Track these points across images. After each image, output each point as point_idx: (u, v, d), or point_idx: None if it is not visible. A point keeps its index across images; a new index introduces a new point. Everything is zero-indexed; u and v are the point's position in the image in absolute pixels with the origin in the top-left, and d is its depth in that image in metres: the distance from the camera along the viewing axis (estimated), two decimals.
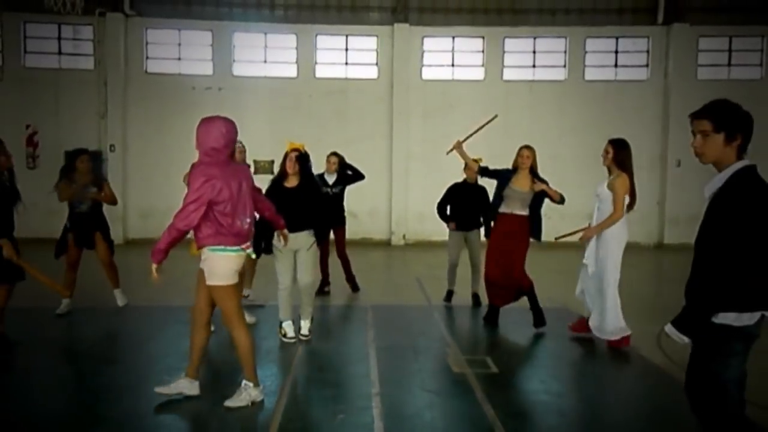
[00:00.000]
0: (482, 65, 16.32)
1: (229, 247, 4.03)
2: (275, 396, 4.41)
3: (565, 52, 16.30)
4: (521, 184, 6.31)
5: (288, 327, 5.85)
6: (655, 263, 13.42)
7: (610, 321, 5.77)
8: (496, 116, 6.85)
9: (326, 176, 7.90)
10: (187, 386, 4.28)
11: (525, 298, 6.53)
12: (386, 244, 15.35)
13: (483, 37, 16.21)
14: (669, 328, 2.74)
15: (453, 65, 16.43)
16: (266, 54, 16.28)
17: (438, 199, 7.82)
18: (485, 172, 6.77)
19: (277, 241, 5.58)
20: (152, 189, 14.78)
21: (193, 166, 4.10)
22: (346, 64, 16.35)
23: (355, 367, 5.19)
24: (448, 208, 7.74)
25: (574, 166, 14.38)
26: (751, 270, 2.55)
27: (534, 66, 16.39)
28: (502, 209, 6.39)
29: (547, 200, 6.34)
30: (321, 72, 16.25)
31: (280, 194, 5.72)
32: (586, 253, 5.95)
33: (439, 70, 16.38)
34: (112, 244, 7.02)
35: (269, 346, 5.71)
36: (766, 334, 5.71)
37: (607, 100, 15.77)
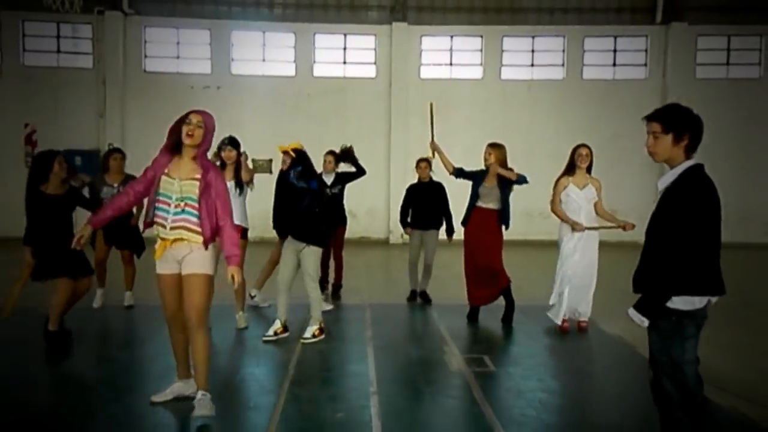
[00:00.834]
0: (480, 64, 16.33)
1: None
2: (274, 395, 4.41)
3: (564, 51, 16.32)
4: (492, 181, 6.63)
5: (274, 325, 5.86)
6: None
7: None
8: (431, 104, 7.11)
9: (324, 176, 7.70)
10: (182, 387, 4.26)
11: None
12: (384, 243, 15.36)
13: (481, 36, 16.22)
14: (631, 312, 2.96)
15: (451, 64, 16.44)
16: (264, 53, 16.28)
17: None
18: (461, 173, 6.95)
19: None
20: None
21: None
22: (345, 63, 16.35)
23: (354, 366, 5.20)
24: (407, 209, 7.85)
25: None
26: (698, 257, 2.86)
27: (532, 65, 16.40)
28: (479, 204, 6.68)
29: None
30: (319, 71, 16.25)
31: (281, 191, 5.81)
32: (573, 245, 6.26)
33: (438, 69, 16.39)
34: (142, 243, 7.01)
35: (267, 346, 5.71)
36: (757, 333, 5.69)
37: (606, 99, 15.79)
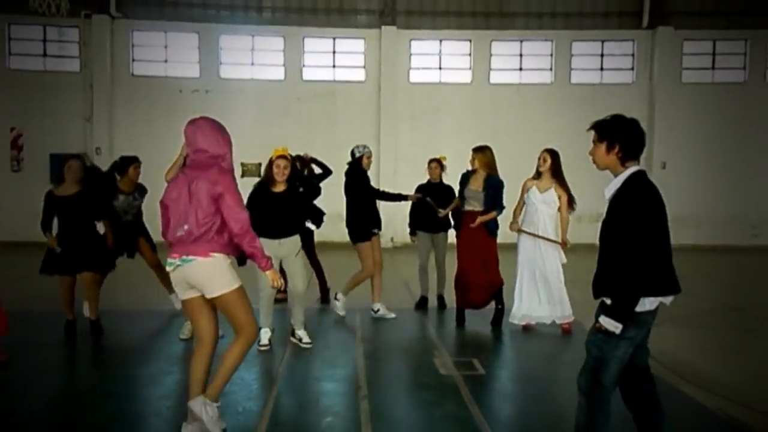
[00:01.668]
0: (469, 68, 16.38)
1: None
2: (262, 400, 4.39)
3: (552, 55, 16.40)
4: (477, 184, 6.66)
5: (263, 334, 5.71)
6: None
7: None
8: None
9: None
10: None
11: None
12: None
13: (470, 41, 16.28)
14: (603, 319, 3.00)
15: (440, 68, 16.48)
16: (253, 56, 16.24)
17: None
18: (460, 195, 6.92)
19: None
20: None
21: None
22: (334, 66, 16.35)
23: (343, 370, 5.18)
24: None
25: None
26: (649, 260, 2.94)
27: (521, 69, 16.48)
28: (467, 208, 6.72)
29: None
30: (308, 75, 16.23)
31: (266, 199, 5.68)
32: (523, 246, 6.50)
33: (427, 73, 16.43)
34: (155, 247, 6.99)
35: (255, 350, 5.67)
36: (745, 335, 5.72)
37: (593, 103, 15.85)
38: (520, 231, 6.52)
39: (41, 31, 15.58)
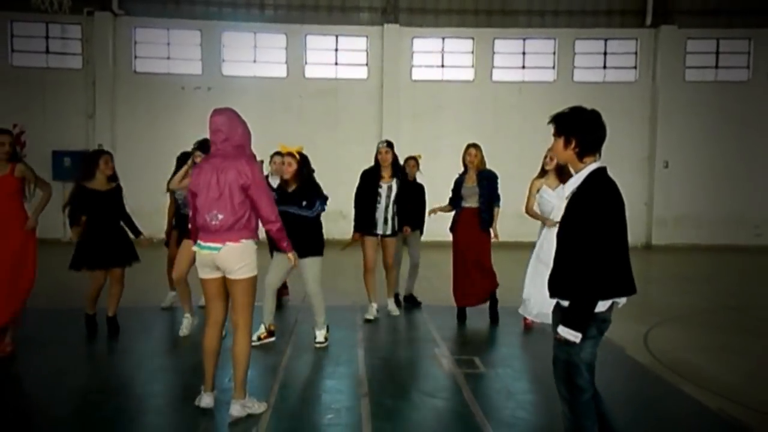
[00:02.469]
0: (472, 66, 16.37)
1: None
2: (264, 397, 4.39)
3: (554, 53, 16.38)
4: (471, 180, 6.75)
5: (258, 329, 5.75)
6: (643, 264, 13.49)
7: None
8: None
9: (271, 180, 6.64)
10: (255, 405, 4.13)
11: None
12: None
13: (473, 38, 16.26)
14: (561, 330, 2.90)
15: (443, 66, 16.47)
16: (256, 54, 16.24)
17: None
18: (454, 198, 6.93)
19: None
20: (140, 189, 14.66)
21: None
22: (336, 64, 16.34)
23: (344, 367, 5.19)
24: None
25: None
26: (604, 261, 2.83)
27: (523, 67, 16.46)
28: (464, 205, 6.80)
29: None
30: (311, 72, 16.23)
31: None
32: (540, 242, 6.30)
33: (429, 70, 16.41)
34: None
35: (257, 348, 5.67)
36: (746, 335, 5.72)
37: (596, 101, 15.43)
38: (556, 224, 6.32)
39: (44, 28, 15.60)
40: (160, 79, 15.74)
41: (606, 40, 16.36)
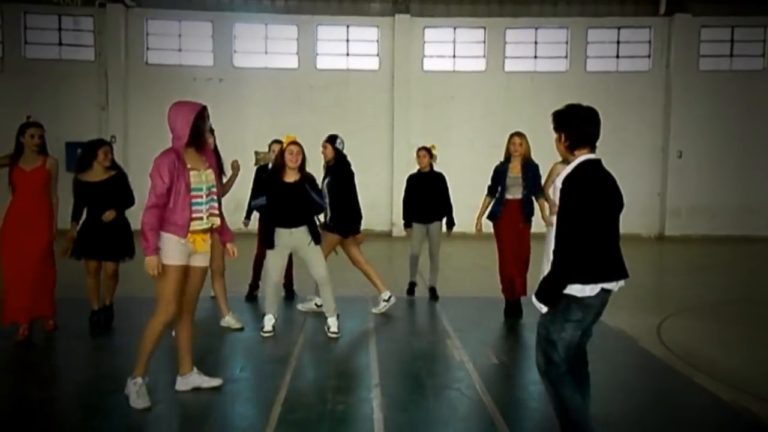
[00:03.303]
0: (483, 56, 16.28)
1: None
2: (276, 386, 4.42)
3: (567, 42, 16.25)
4: (516, 170, 6.53)
5: (267, 321, 5.80)
6: (656, 255, 13.42)
7: None
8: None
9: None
10: (198, 379, 4.31)
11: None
12: (387, 235, 15.35)
13: (484, 28, 16.16)
14: (533, 299, 3.17)
15: (454, 56, 16.39)
16: (267, 45, 16.25)
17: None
18: (493, 188, 6.69)
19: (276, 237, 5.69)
20: None
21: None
22: (347, 55, 16.31)
23: (356, 359, 5.21)
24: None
25: None
26: (585, 247, 2.99)
27: (536, 57, 16.35)
28: (507, 196, 6.54)
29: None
30: (322, 63, 16.21)
31: (277, 189, 5.65)
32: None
33: (441, 61, 16.35)
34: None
35: (268, 339, 5.72)
36: (761, 326, 5.65)
37: (609, 91, 15.72)
38: None
39: (56, 21, 15.69)
40: (171, 70, 15.80)
41: (619, 28, 16.21)
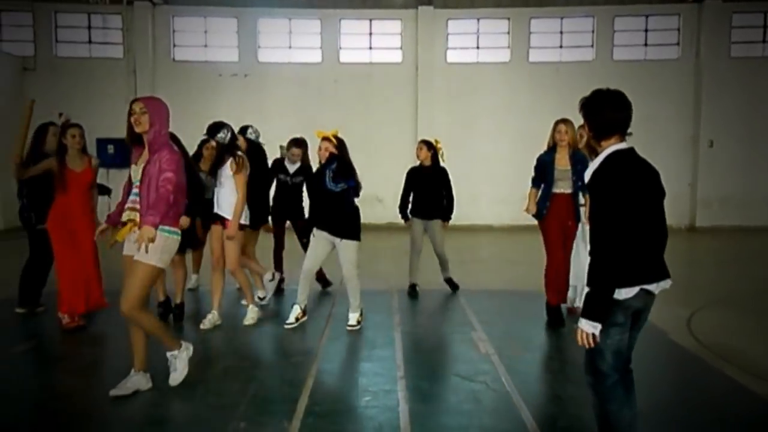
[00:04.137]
0: (508, 47, 16.14)
1: None
2: (302, 378, 4.47)
3: (593, 31, 16.02)
4: (564, 162, 5.89)
5: (293, 312, 5.84)
6: (687, 246, 13.19)
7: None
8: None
9: (287, 164, 7.15)
10: (141, 381, 4.20)
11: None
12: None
13: (508, 19, 16.01)
14: (581, 323, 2.82)
15: (478, 48, 16.28)
16: (291, 40, 16.32)
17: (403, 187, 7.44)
18: (538, 180, 6.06)
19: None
20: None
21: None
22: (371, 48, 16.31)
23: (381, 351, 5.23)
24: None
25: None
26: (616, 247, 2.72)
27: (561, 47, 16.16)
28: (555, 190, 5.92)
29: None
30: (345, 57, 16.24)
31: (311, 184, 5.83)
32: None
33: (464, 52, 16.26)
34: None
35: (294, 331, 5.78)
36: None
37: (637, 80, 15.44)
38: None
39: (86, 19, 15.97)
40: (198, 66, 15.98)
41: (647, 16, 15.92)
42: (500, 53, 16.18)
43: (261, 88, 15.83)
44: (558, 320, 6.05)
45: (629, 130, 2.94)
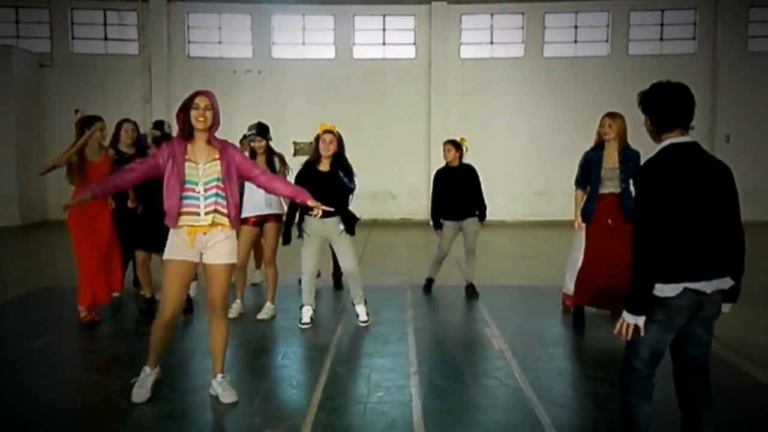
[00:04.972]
0: (522, 42, 16.05)
1: None
2: (315, 374, 4.50)
3: (608, 26, 15.89)
4: (612, 160, 5.56)
5: (305, 312, 5.82)
6: None
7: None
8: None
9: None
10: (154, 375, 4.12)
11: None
12: (425, 224, 15.32)
13: (523, 13, 15.92)
14: (625, 315, 2.79)
15: (492, 43, 16.21)
16: (304, 36, 16.34)
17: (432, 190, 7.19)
18: (582, 180, 5.78)
19: (306, 224, 5.74)
20: None
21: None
22: (384, 44, 16.30)
23: (394, 347, 5.25)
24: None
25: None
26: (654, 241, 2.67)
27: (576, 41, 16.04)
28: (602, 191, 5.60)
29: None
30: (359, 53, 16.24)
31: (311, 178, 5.62)
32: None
33: (478, 48, 16.19)
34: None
35: (311, 327, 5.81)
36: None
37: (653, 75, 14.96)
38: None
39: (102, 16, 16.10)
40: (212, 63, 16.06)
41: (663, 11, 15.76)
42: (514, 48, 16.10)
43: (275, 85, 15.88)
44: (579, 321, 5.88)
45: (692, 124, 2.87)
